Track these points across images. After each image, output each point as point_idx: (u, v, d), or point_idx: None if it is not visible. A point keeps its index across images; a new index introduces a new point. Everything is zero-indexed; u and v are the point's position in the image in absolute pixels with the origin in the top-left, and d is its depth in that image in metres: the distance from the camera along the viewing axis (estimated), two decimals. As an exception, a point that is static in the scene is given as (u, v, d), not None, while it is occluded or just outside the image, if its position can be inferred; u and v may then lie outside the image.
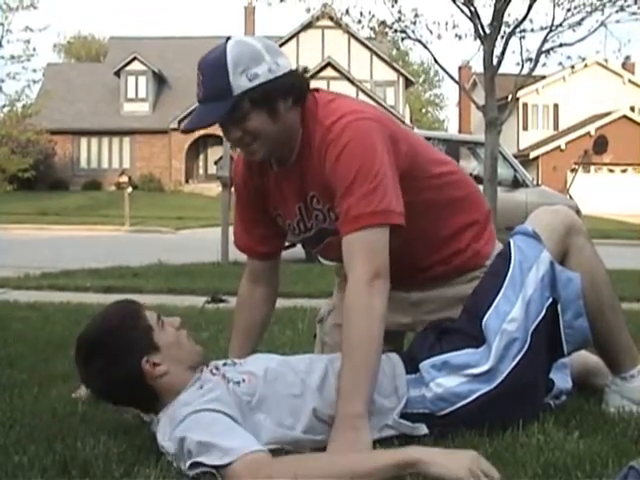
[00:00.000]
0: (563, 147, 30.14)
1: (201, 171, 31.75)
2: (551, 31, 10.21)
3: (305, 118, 1.99)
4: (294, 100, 1.96)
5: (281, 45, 31.63)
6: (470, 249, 2.18)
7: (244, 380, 1.86)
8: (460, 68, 32.99)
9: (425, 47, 10.69)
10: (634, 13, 10.28)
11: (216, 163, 9.03)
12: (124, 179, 23.97)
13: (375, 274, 1.85)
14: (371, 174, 1.88)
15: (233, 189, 2.26)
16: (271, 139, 1.95)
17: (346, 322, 1.84)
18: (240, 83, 1.87)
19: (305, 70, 2.04)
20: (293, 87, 1.94)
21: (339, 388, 1.80)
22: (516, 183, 10.50)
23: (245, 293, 2.34)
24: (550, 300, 1.98)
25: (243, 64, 1.87)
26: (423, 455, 1.62)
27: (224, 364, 1.97)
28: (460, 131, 35.89)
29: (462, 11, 9.98)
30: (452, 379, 1.92)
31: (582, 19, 10.28)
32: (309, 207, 2.08)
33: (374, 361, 1.82)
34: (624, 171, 30.84)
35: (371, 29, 11.45)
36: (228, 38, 1.94)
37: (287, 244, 2.40)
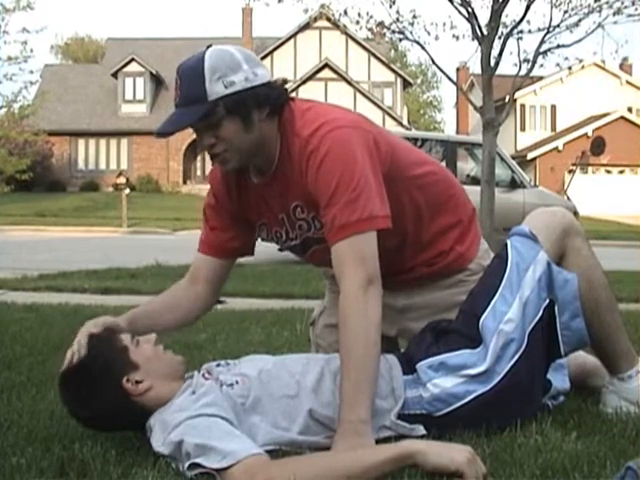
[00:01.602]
0: (561, 148, 30.15)
1: (199, 172, 31.78)
2: (548, 32, 10.20)
3: (282, 129, 1.99)
4: (270, 111, 1.94)
5: (279, 46, 31.71)
6: (453, 252, 2.18)
7: (237, 382, 1.86)
8: (458, 69, 33.02)
9: (423, 48, 10.66)
10: (631, 15, 10.29)
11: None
12: (122, 180, 23.98)
13: (368, 280, 1.84)
14: (352, 182, 1.87)
15: (208, 193, 2.23)
16: (244, 149, 1.94)
17: (343, 329, 1.84)
18: (216, 89, 1.86)
19: (284, 81, 2.02)
20: (269, 98, 1.93)
21: (340, 395, 1.79)
22: (514, 184, 10.49)
23: (179, 289, 2.24)
24: (547, 301, 1.99)
25: (220, 71, 1.87)
26: (420, 446, 1.63)
27: (217, 365, 1.97)
28: (458, 132, 35.92)
29: (460, 12, 9.97)
30: (449, 380, 1.92)
31: (579, 20, 10.28)
32: (292, 217, 2.07)
33: (373, 366, 1.82)
34: (621, 172, 30.87)
35: (369, 30, 11.43)
36: (209, 46, 1.94)
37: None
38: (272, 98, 1.94)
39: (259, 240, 2.26)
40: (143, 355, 1.88)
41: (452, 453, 1.60)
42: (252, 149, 1.96)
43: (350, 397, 1.76)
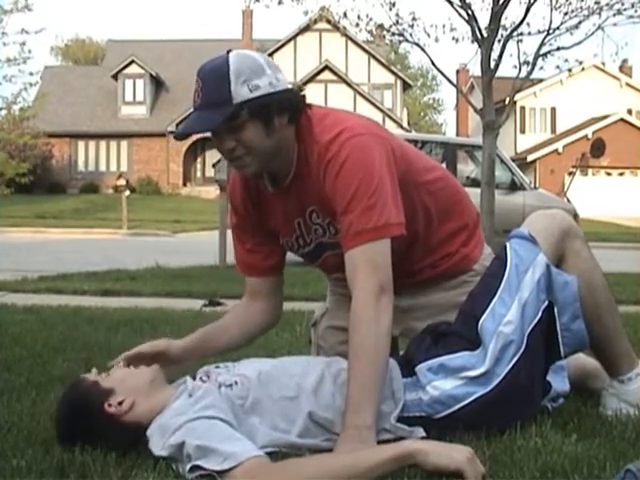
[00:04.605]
0: (560, 150, 30.17)
1: (199, 174, 31.75)
2: (548, 34, 10.19)
3: (300, 135, 2.00)
4: (290, 117, 1.96)
5: (278, 48, 31.72)
6: (459, 254, 2.22)
7: (236, 382, 1.86)
8: (458, 71, 33.06)
9: (423, 50, 10.66)
10: (631, 16, 10.28)
11: (214, 166, 9.05)
12: (122, 182, 23.97)
13: (380, 288, 1.86)
14: (370, 190, 1.89)
15: (230, 213, 2.26)
16: (264, 153, 1.94)
17: (353, 335, 1.85)
18: (241, 92, 1.87)
19: (301, 88, 2.04)
20: (290, 103, 1.95)
21: (347, 399, 1.79)
22: (514, 186, 10.49)
23: (241, 305, 2.30)
24: (546, 303, 1.99)
25: (245, 74, 1.88)
26: (421, 445, 1.63)
27: (217, 366, 1.97)
28: (458, 134, 35.93)
29: (459, 14, 9.97)
30: (448, 382, 1.92)
31: (579, 22, 10.27)
32: (308, 222, 2.09)
33: (381, 373, 1.83)
34: (621, 174, 30.89)
35: (369, 32, 11.45)
36: (229, 50, 1.95)
37: None
38: (293, 104, 1.96)
39: None
40: (114, 379, 1.90)
41: (452, 452, 1.60)
42: (271, 154, 1.96)
43: (356, 402, 1.77)
